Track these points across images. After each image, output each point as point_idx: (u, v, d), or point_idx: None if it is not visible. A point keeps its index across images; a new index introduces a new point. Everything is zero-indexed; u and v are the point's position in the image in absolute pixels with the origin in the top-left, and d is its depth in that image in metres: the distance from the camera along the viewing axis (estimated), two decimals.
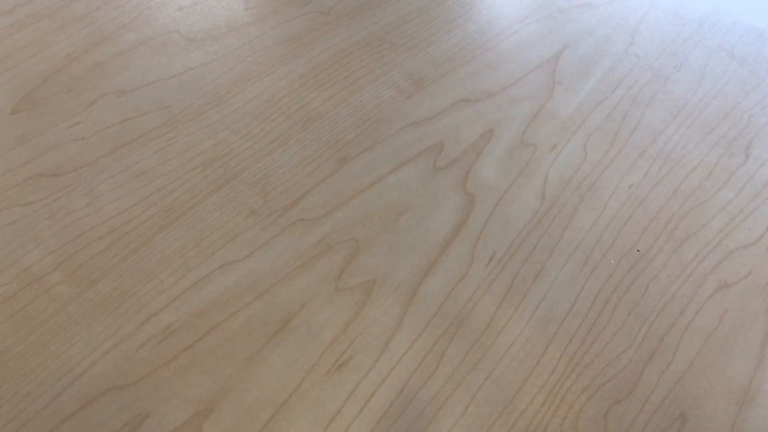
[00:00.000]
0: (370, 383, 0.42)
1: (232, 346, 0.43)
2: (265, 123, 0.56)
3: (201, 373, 0.42)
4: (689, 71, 0.67)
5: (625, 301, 0.48)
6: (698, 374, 0.45)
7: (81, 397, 0.40)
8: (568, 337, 0.46)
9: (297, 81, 0.60)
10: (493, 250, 0.50)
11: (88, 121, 0.55)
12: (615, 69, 0.66)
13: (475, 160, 0.56)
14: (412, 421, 0.41)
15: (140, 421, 0.39)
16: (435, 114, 0.59)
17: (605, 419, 0.42)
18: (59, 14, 0.64)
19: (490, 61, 0.65)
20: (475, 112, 0.60)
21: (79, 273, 0.45)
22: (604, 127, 0.60)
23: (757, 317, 0.48)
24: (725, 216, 0.54)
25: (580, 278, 0.49)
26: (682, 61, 0.68)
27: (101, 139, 0.54)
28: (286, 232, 0.49)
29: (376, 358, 0.43)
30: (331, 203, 0.51)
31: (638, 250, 0.50)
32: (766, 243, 0.53)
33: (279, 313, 0.45)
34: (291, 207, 0.50)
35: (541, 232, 0.51)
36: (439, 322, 0.45)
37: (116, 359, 0.42)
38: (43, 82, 0.57)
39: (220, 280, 0.46)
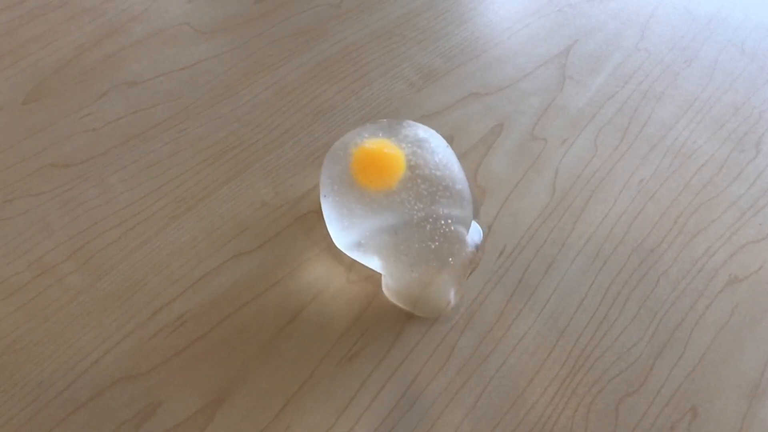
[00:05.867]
0: (381, 374, 0.42)
1: (243, 336, 0.43)
2: (275, 115, 0.56)
3: (213, 363, 0.42)
4: (699, 66, 0.67)
5: (636, 295, 0.48)
6: (709, 368, 0.45)
7: (93, 386, 0.40)
8: (579, 331, 0.46)
9: (307, 74, 0.60)
10: (504, 243, 0.50)
11: (99, 112, 0.55)
12: (625, 64, 0.66)
13: (485, 153, 0.56)
14: (422, 413, 0.41)
15: (152, 410, 0.39)
16: (445, 107, 0.59)
17: (616, 412, 0.42)
18: (70, 5, 0.64)
19: (501, 55, 0.65)
20: (485, 105, 0.60)
21: (92, 263, 0.46)
22: (615, 122, 0.60)
23: (767, 312, 0.48)
24: (736, 211, 0.54)
25: (590, 272, 0.49)
26: (693, 56, 0.68)
27: (112, 129, 0.54)
28: (297, 223, 0.49)
29: (387, 350, 0.43)
30: None
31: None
32: None
33: (290, 304, 0.45)
34: (302, 198, 0.50)
35: (552, 226, 0.51)
36: (449, 314, 0.45)
37: (128, 349, 0.42)
38: (54, 73, 0.58)
39: (231, 270, 0.46)
